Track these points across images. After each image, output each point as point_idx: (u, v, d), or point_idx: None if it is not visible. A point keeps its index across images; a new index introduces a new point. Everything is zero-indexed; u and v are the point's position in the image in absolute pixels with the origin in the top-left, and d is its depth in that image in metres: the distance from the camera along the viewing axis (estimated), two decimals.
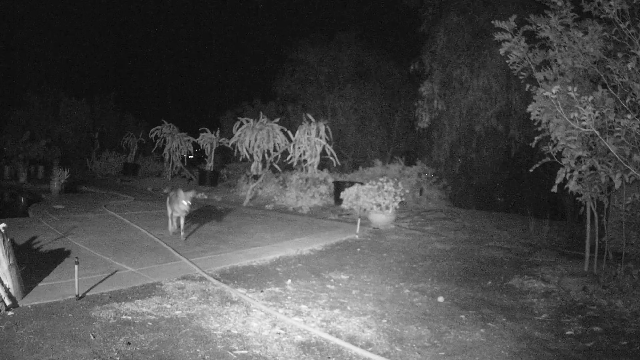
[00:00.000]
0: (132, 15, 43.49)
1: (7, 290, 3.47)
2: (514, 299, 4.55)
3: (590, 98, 4.29)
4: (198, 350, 2.99)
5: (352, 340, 3.32)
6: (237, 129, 12.50)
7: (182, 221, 6.49)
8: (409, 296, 4.50)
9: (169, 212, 6.64)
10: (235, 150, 12.61)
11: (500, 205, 13.89)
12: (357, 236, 7.55)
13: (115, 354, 2.86)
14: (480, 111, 13.39)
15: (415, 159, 15.12)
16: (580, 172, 4.92)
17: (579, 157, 4.87)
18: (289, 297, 4.22)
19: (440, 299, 4.40)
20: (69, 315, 3.41)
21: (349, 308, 4.03)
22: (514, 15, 5.16)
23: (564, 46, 4.92)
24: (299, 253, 6.15)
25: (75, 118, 22.92)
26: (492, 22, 5.26)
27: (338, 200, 10.99)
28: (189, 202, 6.13)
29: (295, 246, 6.48)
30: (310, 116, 12.43)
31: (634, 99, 4.36)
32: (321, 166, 13.05)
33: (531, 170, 5.56)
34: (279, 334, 3.36)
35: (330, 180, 12.53)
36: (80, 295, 3.76)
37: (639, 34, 4.37)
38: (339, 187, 11.31)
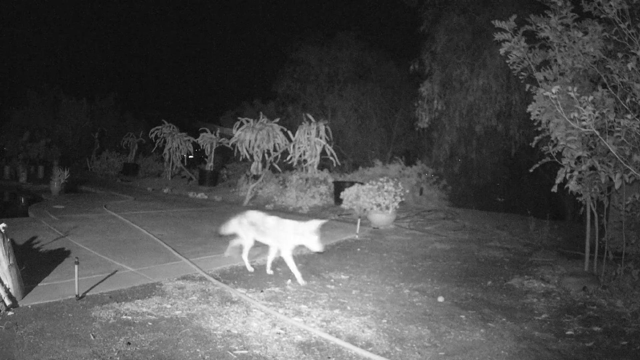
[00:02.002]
0: (132, 15, 43.51)
1: (7, 290, 3.47)
2: (514, 299, 4.55)
3: (590, 98, 4.28)
4: (198, 350, 2.99)
5: (352, 340, 3.32)
6: (237, 129, 12.50)
7: (290, 258, 4.77)
8: (409, 296, 4.50)
9: (249, 239, 5.00)
10: (235, 150, 12.62)
11: (500, 205, 13.91)
12: (357, 236, 7.55)
13: (115, 354, 2.86)
14: (480, 111, 13.40)
15: (415, 159, 15.13)
16: (580, 172, 4.92)
17: (579, 157, 4.87)
18: (289, 297, 4.22)
19: (440, 299, 4.40)
20: (69, 315, 3.41)
21: (349, 308, 4.03)
22: (514, 15, 5.16)
23: (564, 46, 4.92)
24: (298, 253, 6.14)
25: (75, 118, 22.96)
26: (492, 22, 5.26)
27: (338, 200, 10.99)
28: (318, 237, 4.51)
29: None
30: (310, 116, 12.43)
31: (634, 99, 4.36)
32: (321, 166, 13.06)
33: (531, 170, 5.56)
34: (279, 334, 3.36)
35: (330, 180, 12.53)
36: (80, 295, 3.76)
37: (639, 34, 4.37)
38: (339, 187, 11.31)
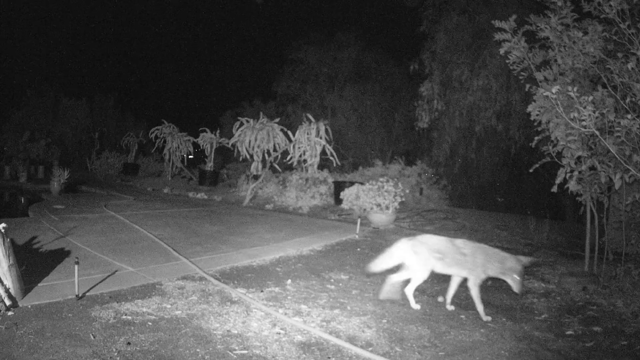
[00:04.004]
0: (132, 15, 43.50)
1: (7, 290, 3.47)
2: (514, 299, 4.55)
3: (590, 98, 4.29)
4: (198, 350, 2.99)
5: (352, 340, 3.32)
6: (237, 129, 12.52)
7: (475, 290, 3.98)
8: None
9: (425, 271, 4.03)
10: (235, 150, 12.63)
11: (500, 205, 13.91)
12: (357, 236, 7.55)
13: (115, 354, 2.86)
14: (480, 111, 13.40)
15: (415, 159, 15.14)
16: (580, 172, 4.92)
17: (579, 157, 4.88)
18: (289, 297, 4.22)
19: (440, 299, 4.41)
20: (69, 315, 3.41)
21: (349, 308, 4.03)
22: (514, 15, 5.17)
23: (564, 46, 4.93)
24: (299, 253, 6.15)
25: (75, 118, 22.97)
26: (492, 22, 5.27)
27: (338, 200, 10.99)
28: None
29: (295, 246, 6.48)
30: (310, 116, 12.44)
31: (634, 99, 4.36)
32: (321, 166, 13.06)
33: (531, 170, 5.57)
34: (279, 334, 3.36)
35: (330, 180, 12.53)
36: (80, 295, 3.76)
37: (639, 34, 4.37)
38: (339, 187, 11.31)
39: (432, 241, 4.06)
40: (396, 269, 4.15)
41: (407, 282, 4.17)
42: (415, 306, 4.11)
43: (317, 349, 3.14)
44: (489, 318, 3.93)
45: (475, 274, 3.93)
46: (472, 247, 3.99)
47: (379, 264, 4.15)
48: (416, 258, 4.00)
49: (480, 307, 3.94)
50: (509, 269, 3.88)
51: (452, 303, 4.22)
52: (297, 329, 3.46)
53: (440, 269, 4.03)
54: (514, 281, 3.90)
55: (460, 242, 4.04)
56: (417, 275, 4.05)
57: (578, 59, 4.86)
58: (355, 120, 18.45)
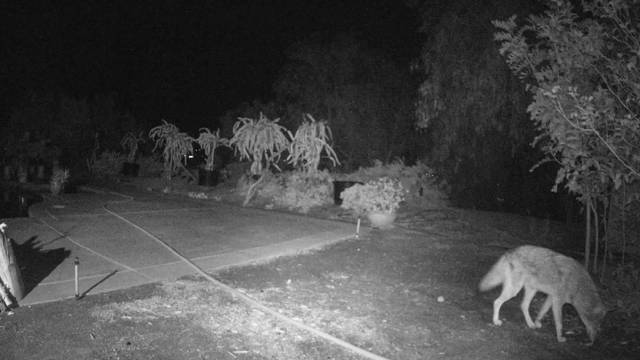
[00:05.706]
0: (132, 15, 43.51)
1: (7, 290, 3.47)
2: (514, 298, 4.54)
3: (590, 98, 4.28)
4: (198, 350, 2.99)
5: (352, 340, 3.32)
6: (237, 129, 12.52)
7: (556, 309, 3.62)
8: (409, 296, 4.50)
9: (529, 291, 3.85)
10: (235, 150, 12.63)
11: (500, 205, 13.90)
12: (357, 236, 7.55)
13: (115, 354, 2.86)
14: (480, 111, 13.40)
15: (415, 159, 15.14)
16: (580, 172, 4.92)
17: (579, 157, 4.87)
18: (289, 297, 4.22)
19: (440, 299, 4.41)
20: (69, 315, 3.41)
21: (349, 308, 4.03)
22: (514, 15, 5.16)
23: (564, 46, 4.92)
24: (299, 253, 6.15)
25: (75, 118, 22.96)
26: (492, 22, 5.26)
27: (338, 200, 10.99)
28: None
29: (295, 246, 6.48)
30: (310, 116, 12.44)
31: (634, 99, 4.35)
32: (321, 166, 13.06)
33: (531, 170, 5.56)
34: (279, 334, 3.36)
35: (330, 180, 12.53)
36: (80, 295, 3.76)
37: (639, 34, 4.37)
38: (339, 187, 11.31)
39: (530, 254, 3.78)
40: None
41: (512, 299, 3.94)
42: (532, 324, 3.80)
43: (317, 349, 3.14)
44: (563, 339, 3.58)
45: (561, 298, 3.59)
46: (571, 268, 3.59)
47: (486, 282, 3.98)
48: (511, 272, 3.79)
49: (559, 326, 3.58)
50: (595, 315, 3.42)
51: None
52: (297, 329, 3.46)
53: (534, 284, 3.77)
54: (594, 329, 3.44)
55: (560, 258, 3.67)
56: (507, 288, 3.80)
57: (578, 59, 4.86)
58: (355, 120, 18.44)
